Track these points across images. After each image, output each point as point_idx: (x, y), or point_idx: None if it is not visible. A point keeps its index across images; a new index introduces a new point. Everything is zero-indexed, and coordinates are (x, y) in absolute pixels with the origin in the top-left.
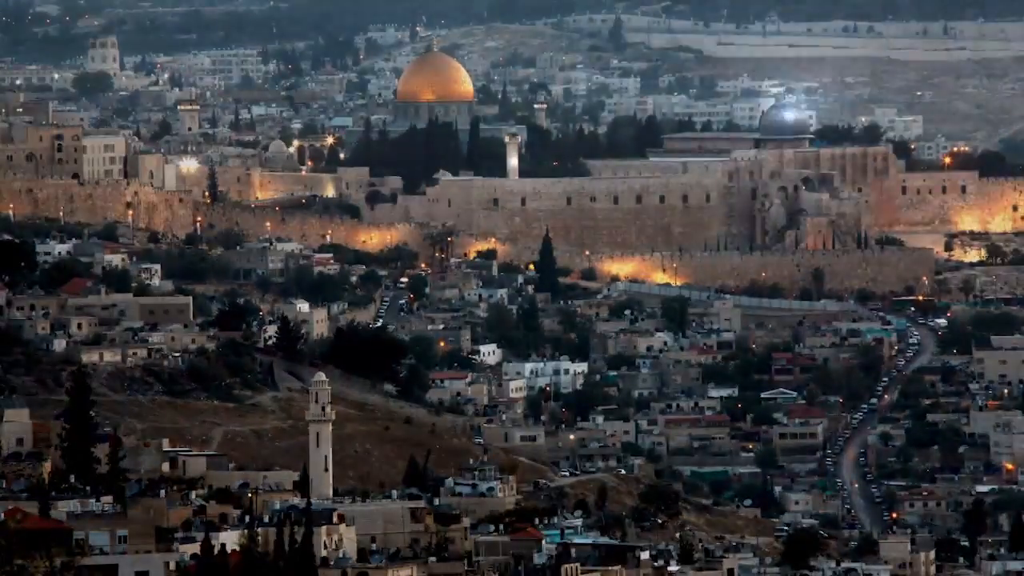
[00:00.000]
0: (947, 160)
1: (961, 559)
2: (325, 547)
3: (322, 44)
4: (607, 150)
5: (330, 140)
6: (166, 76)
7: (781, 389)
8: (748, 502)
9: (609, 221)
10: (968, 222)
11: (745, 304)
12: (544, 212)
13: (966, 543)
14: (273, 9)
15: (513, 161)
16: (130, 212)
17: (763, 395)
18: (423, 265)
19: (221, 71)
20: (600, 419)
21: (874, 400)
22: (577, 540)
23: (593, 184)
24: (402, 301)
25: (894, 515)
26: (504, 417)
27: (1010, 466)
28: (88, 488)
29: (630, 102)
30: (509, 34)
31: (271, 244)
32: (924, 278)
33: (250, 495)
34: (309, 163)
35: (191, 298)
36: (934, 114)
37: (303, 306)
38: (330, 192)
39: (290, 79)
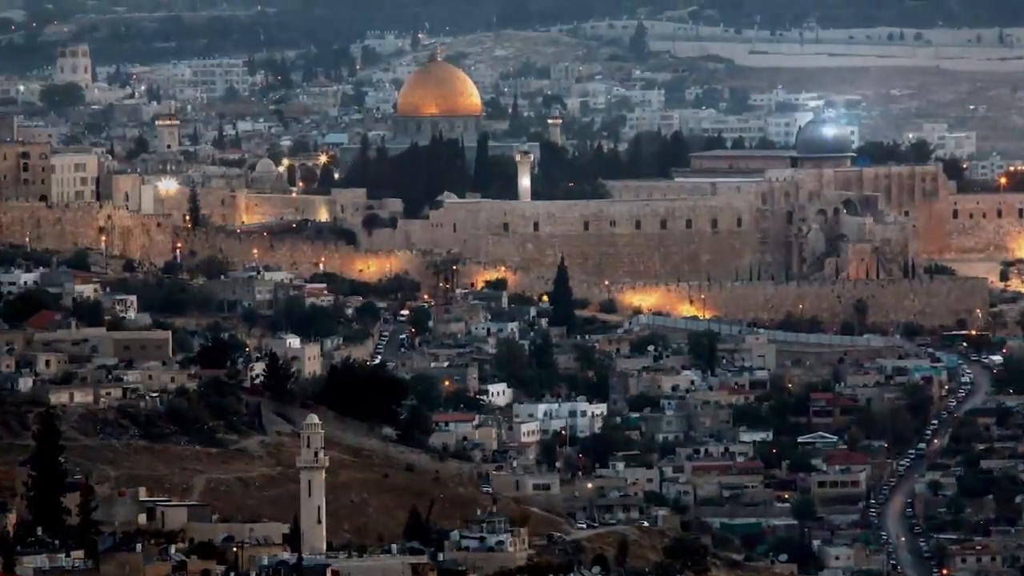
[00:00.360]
0: (1002, 180)
1: None
2: None
3: (314, 53)
4: (628, 170)
5: (323, 159)
6: (143, 88)
7: (820, 433)
8: (784, 557)
9: (631, 248)
10: None
11: (780, 339)
12: (559, 238)
13: None
14: (260, 15)
15: (525, 182)
16: (103, 238)
17: (800, 439)
18: (426, 296)
19: (203, 82)
20: (620, 466)
21: (922, 445)
22: None
23: (613, 207)
24: (403, 336)
25: (944, 572)
26: (515, 464)
27: None
28: (57, 542)
29: (653, 116)
30: (520, 42)
31: (258, 273)
32: (977, 311)
33: (235, 549)
34: (300, 184)
35: (170, 332)
36: (988, 130)
37: (293, 341)
38: (323, 216)
39: (279, 91)
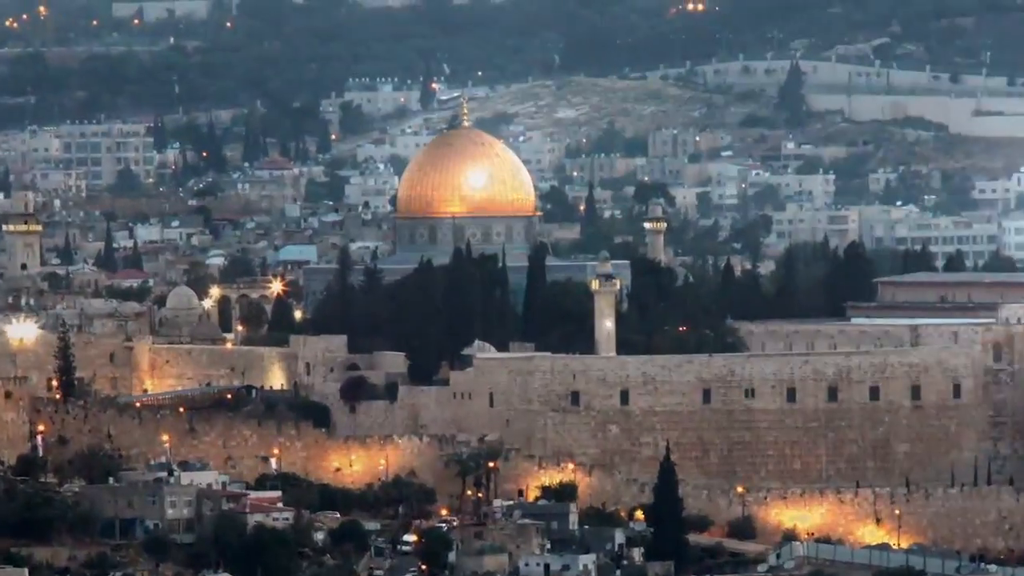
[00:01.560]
0: None
1: None
2: None
3: (263, 114)
4: (776, 304)
5: (277, 287)
6: None
7: None
8: None
9: (779, 432)
10: None
11: None
12: (662, 416)
13: None
14: (173, 52)
15: (607, 323)
16: None
17: None
18: (444, 512)
19: (80, 162)
20: None
21: None
22: None
23: (750, 366)
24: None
25: None
26: None
27: None
28: None
29: (817, 218)
30: (599, 95)
31: (171, 474)
32: None
33: None
34: (240, 327)
35: (26, 571)
36: None
37: None
38: (277, 381)
39: (204, 177)
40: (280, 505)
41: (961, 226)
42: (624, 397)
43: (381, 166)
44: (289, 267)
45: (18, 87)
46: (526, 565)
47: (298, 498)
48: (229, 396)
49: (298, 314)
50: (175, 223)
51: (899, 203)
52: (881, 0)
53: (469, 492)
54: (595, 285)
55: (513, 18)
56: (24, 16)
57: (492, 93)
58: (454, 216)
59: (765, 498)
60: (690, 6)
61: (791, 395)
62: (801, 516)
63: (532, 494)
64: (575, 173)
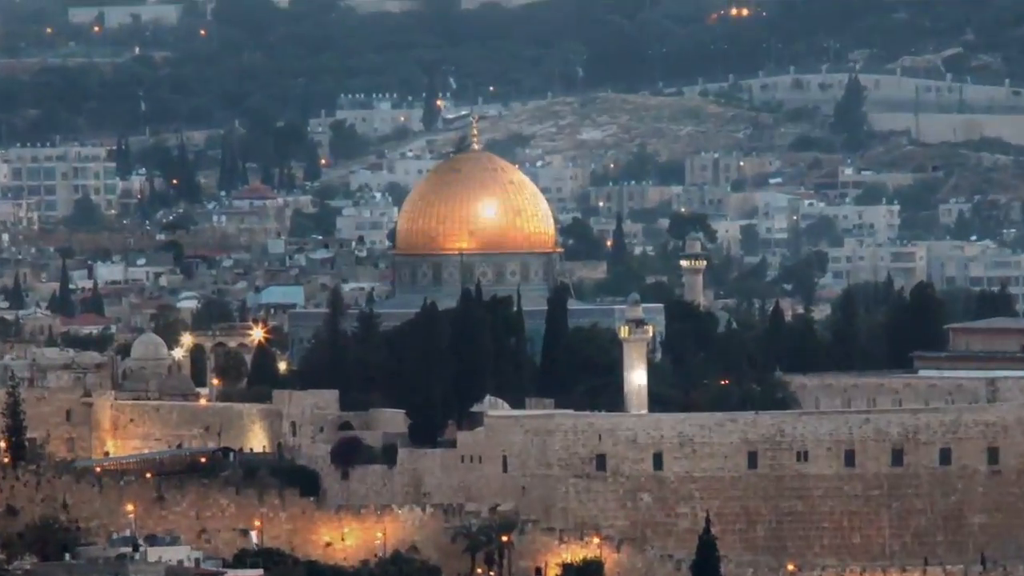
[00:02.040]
0: None
1: None
2: None
3: (241, 135)
4: (832, 354)
5: (258, 334)
6: None
7: None
8: None
9: (835, 502)
10: None
11: None
12: (702, 481)
13: None
14: (140, 64)
15: (638, 376)
16: None
17: None
18: None
19: (32, 190)
20: None
21: None
22: None
23: (802, 423)
24: None
25: None
26: None
27: None
28: None
29: (878, 254)
30: (628, 113)
31: (136, 550)
32: None
33: None
34: (215, 382)
35: None
36: None
37: None
38: (259, 442)
39: (175, 207)
40: None
41: None
42: (657, 461)
43: (378, 195)
44: (272, 311)
45: None
46: None
47: None
48: (203, 460)
49: (282, 365)
50: (141, 261)
51: (973, 238)
52: (953, 5)
53: (479, 570)
54: (624, 332)
55: (530, 26)
56: None
57: (506, 111)
58: (462, 252)
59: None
60: (733, 11)
61: (850, 458)
62: None
63: (552, 572)
64: (601, 203)
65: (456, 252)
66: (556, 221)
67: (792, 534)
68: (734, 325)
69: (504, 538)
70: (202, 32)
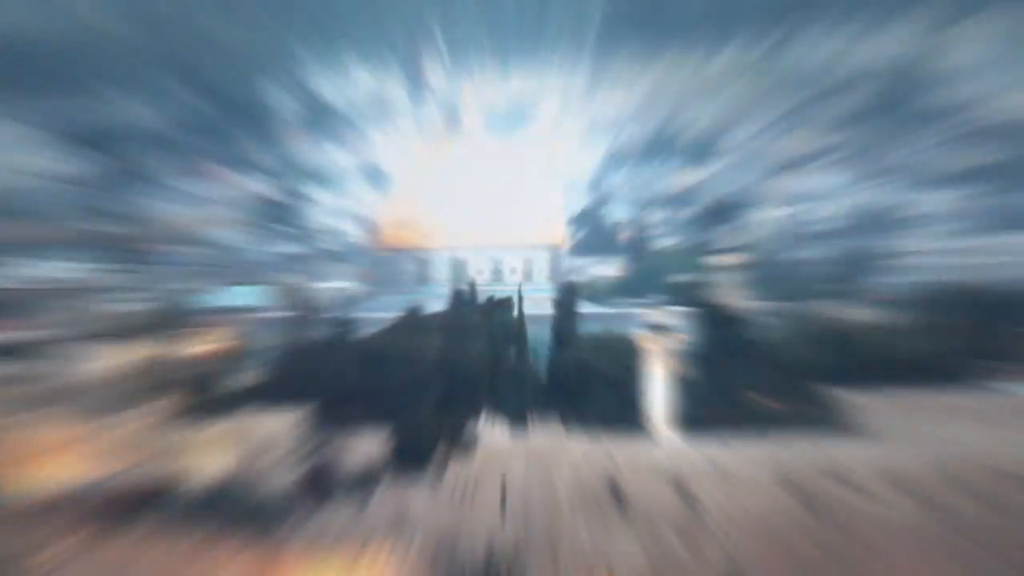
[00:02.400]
0: None
1: None
2: None
3: (193, 109)
4: (891, 365)
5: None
6: None
7: None
8: None
9: (888, 534)
10: None
11: None
12: (733, 514)
13: None
14: (75, 27)
15: (660, 391)
16: None
17: None
18: None
19: None
20: None
21: None
22: None
23: (858, 448)
24: None
25: None
26: None
27: None
28: None
29: (946, 248)
30: (649, 81)
31: None
32: None
33: None
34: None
35: None
36: None
37: None
38: (218, 467)
39: (118, 194)
40: None
41: None
42: (682, 490)
43: (354, 180)
44: (227, 316)
45: None
46: None
47: None
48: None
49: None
50: (67, 257)
51: None
52: None
53: None
54: (644, 339)
55: None
56: None
57: (504, 79)
58: (453, 247)
59: None
60: None
61: (897, 483)
62: None
63: None
64: (617, 188)
65: (446, 246)
66: (564, 209)
67: (836, 568)
68: (773, 332)
69: None
70: None
